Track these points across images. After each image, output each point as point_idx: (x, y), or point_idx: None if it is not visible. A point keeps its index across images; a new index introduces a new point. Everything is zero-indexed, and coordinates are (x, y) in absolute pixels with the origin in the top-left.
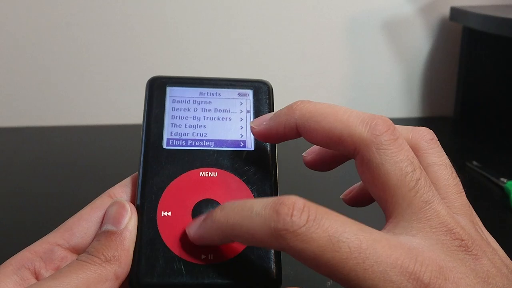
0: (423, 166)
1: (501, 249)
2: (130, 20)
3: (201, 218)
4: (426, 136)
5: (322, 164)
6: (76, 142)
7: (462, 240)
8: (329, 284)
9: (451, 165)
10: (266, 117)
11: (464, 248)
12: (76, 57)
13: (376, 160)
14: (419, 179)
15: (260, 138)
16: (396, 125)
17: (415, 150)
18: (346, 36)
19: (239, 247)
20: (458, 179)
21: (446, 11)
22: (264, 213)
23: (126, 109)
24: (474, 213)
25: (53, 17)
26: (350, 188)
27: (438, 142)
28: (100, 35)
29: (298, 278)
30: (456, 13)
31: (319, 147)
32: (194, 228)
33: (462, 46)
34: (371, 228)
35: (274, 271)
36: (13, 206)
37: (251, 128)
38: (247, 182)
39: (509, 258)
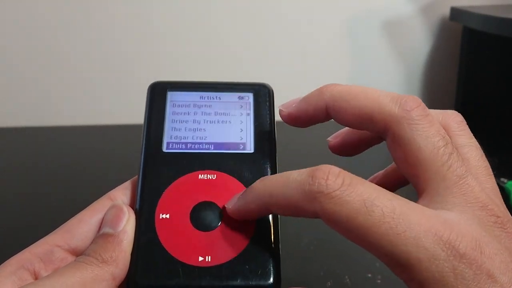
0: (454, 146)
1: None
2: (130, 20)
3: (239, 193)
4: (456, 118)
5: (347, 148)
6: (76, 142)
7: (498, 217)
8: (329, 284)
9: (481, 148)
10: (295, 100)
11: (500, 225)
12: (76, 58)
13: (408, 135)
14: (451, 153)
15: (289, 120)
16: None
17: (446, 131)
18: (346, 36)
19: (237, 248)
20: (487, 162)
21: (446, 11)
22: (300, 178)
23: (126, 109)
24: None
25: (53, 18)
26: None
27: (467, 126)
28: (100, 36)
29: (298, 279)
30: (456, 13)
31: (344, 130)
32: (233, 201)
33: (462, 46)
34: (405, 199)
35: (273, 272)
36: (12, 206)
37: (280, 111)
38: (246, 184)
39: None
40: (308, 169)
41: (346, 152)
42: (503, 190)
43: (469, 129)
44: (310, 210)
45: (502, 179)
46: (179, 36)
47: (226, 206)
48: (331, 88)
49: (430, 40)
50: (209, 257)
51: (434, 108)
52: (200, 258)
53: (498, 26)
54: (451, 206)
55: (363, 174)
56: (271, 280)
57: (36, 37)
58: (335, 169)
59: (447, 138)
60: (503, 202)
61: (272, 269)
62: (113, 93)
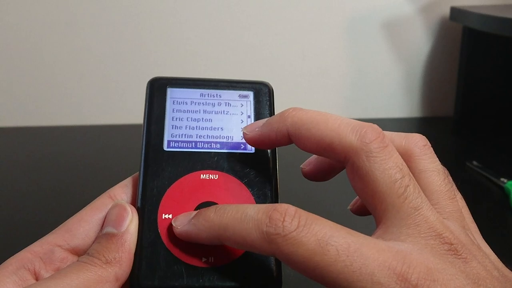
0: (415, 172)
1: (494, 254)
2: (130, 20)
3: (190, 214)
4: (419, 143)
5: (319, 174)
6: (76, 142)
7: (451, 244)
8: None
9: (444, 171)
10: (258, 124)
11: (453, 252)
12: (76, 57)
13: (366, 168)
14: (407, 185)
15: (252, 144)
16: (389, 132)
17: (408, 156)
18: (346, 36)
19: (240, 250)
20: (450, 185)
21: (446, 11)
22: (257, 217)
23: (126, 109)
24: (469, 218)
25: (53, 17)
26: (356, 199)
27: (431, 148)
28: (100, 35)
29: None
30: (456, 13)
31: (316, 157)
32: (181, 222)
33: (462, 46)
34: (360, 233)
35: (275, 274)
36: (13, 206)
37: (243, 134)
38: (248, 184)
39: (501, 263)
40: (265, 207)
41: (319, 178)
42: (502, 190)
43: (433, 153)
44: (267, 250)
45: (502, 179)
46: (179, 36)
47: (173, 223)
48: (293, 114)
49: (430, 40)
50: (212, 258)
51: (434, 108)
52: (203, 259)
53: (498, 26)
54: (404, 237)
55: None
56: (273, 281)
57: (36, 37)
58: (291, 210)
59: (404, 170)
60: (463, 226)
61: (274, 270)
62: (113, 93)
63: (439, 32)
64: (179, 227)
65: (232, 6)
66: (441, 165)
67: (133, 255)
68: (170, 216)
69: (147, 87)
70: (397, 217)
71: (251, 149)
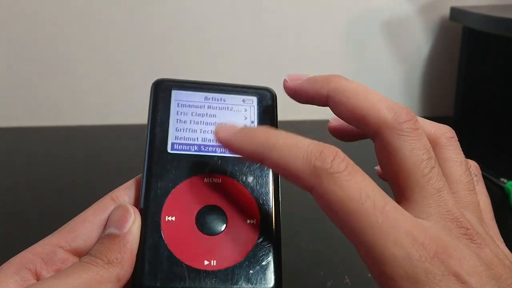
0: (440, 160)
1: (508, 250)
2: (132, 20)
3: (235, 126)
4: (447, 134)
5: (345, 133)
6: (76, 142)
7: (467, 229)
8: (329, 284)
9: (467, 164)
10: (302, 76)
11: (468, 236)
12: (76, 57)
13: (395, 144)
14: (433, 167)
15: (289, 93)
16: (421, 118)
17: (435, 144)
18: (346, 36)
19: (242, 253)
20: (470, 177)
21: (446, 11)
22: (308, 149)
23: (127, 109)
24: (490, 214)
25: (53, 17)
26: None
27: (458, 142)
28: (101, 35)
29: (298, 279)
30: (456, 13)
31: None
32: (226, 132)
33: (462, 46)
34: (394, 201)
35: (275, 277)
36: (13, 206)
37: (284, 81)
38: (251, 189)
39: None
40: (317, 142)
41: (341, 136)
42: (502, 190)
43: (459, 145)
44: (308, 182)
45: (502, 179)
46: (180, 38)
47: (216, 131)
48: (337, 80)
49: (430, 40)
50: (214, 261)
51: (434, 108)
52: (206, 262)
53: (498, 26)
54: (426, 215)
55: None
56: (273, 284)
57: (36, 37)
58: (341, 153)
59: (431, 153)
60: (480, 217)
61: (274, 273)
62: (113, 93)
63: (439, 32)
64: (222, 134)
65: (232, 8)
66: (464, 158)
67: (135, 256)
68: (173, 218)
69: (151, 88)
70: (420, 195)
71: None
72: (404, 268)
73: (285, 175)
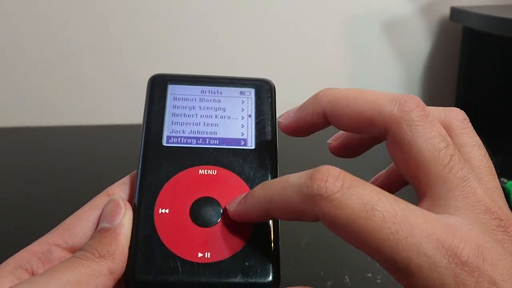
0: (456, 146)
1: None
2: (130, 20)
3: (241, 195)
4: (459, 116)
5: (348, 150)
6: (76, 142)
7: (501, 220)
8: (330, 284)
9: (484, 146)
10: (292, 110)
11: (503, 228)
12: (76, 57)
13: (408, 137)
14: (453, 155)
15: (288, 132)
16: (427, 106)
17: (448, 129)
18: (346, 36)
19: (237, 245)
20: (490, 161)
21: (446, 11)
22: (299, 181)
23: (126, 109)
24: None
25: (53, 17)
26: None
27: (470, 123)
28: (100, 35)
29: (298, 279)
30: (456, 13)
31: (344, 132)
32: (234, 204)
33: (462, 46)
34: (406, 201)
35: (273, 270)
36: (12, 206)
37: (279, 123)
38: (247, 180)
39: None
40: (307, 171)
41: (347, 154)
42: (503, 190)
43: (472, 128)
44: (310, 213)
45: (502, 179)
46: (179, 37)
47: (227, 207)
48: (327, 93)
49: (430, 40)
50: (209, 253)
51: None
52: (200, 254)
53: (498, 26)
54: (453, 209)
55: (366, 174)
56: (271, 277)
57: (36, 37)
58: (334, 171)
59: (448, 139)
60: (506, 203)
61: (271, 267)
62: (113, 93)
63: (439, 32)
64: (231, 209)
65: (232, 6)
66: (480, 141)
67: (127, 248)
68: (167, 211)
69: (148, 83)
70: (444, 188)
71: (251, 145)
72: (432, 278)
73: (293, 218)
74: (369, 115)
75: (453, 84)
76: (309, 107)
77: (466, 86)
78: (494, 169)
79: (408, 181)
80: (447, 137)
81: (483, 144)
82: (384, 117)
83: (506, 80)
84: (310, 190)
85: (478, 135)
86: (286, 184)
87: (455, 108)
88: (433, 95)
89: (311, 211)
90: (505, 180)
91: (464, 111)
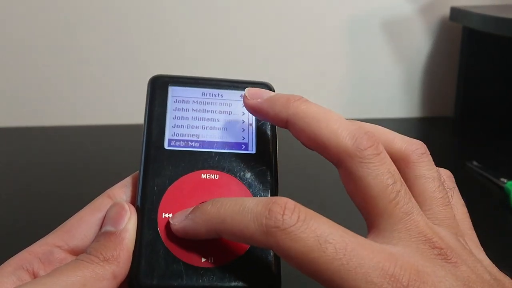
0: (411, 177)
1: (488, 259)
2: (130, 20)
3: (187, 210)
4: (418, 150)
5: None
6: (76, 142)
7: (441, 249)
8: None
9: (440, 178)
10: (262, 95)
11: (443, 256)
12: (76, 57)
13: (359, 173)
14: (399, 191)
15: (249, 110)
16: (394, 133)
17: (406, 161)
18: (346, 36)
19: (240, 250)
20: (445, 192)
21: (446, 11)
22: (256, 210)
23: (126, 109)
24: (468, 224)
25: (53, 17)
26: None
27: (430, 156)
28: (100, 35)
29: (298, 279)
30: (456, 13)
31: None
32: (179, 218)
33: (462, 46)
34: (355, 233)
35: (274, 274)
36: (12, 206)
37: (244, 96)
38: (248, 185)
39: (496, 268)
40: (264, 200)
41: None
42: (502, 190)
43: (431, 161)
44: (265, 243)
45: (502, 179)
46: (179, 37)
47: (170, 222)
48: (297, 104)
49: (430, 40)
50: (212, 258)
51: (434, 108)
52: (203, 259)
53: (498, 26)
54: (396, 241)
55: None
56: (273, 281)
57: (36, 37)
58: (290, 204)
59: (396, 176)
60: (458, 231)
61: (273, 270)
62: (113, 93)
63: (439, 32)
64: (176, 224)
65: (231, 7)
66: (437, 173)
67: (131, 253)
68: (170, 215)
69: (148, 85)
70: (389, 221)
71: (252, 149)
72: None
73: (243, 242)
74: (326, 141)
75: (453, 84)
76: (276, 107)
77: (466, 86)
78: (447, 199)
79: (358, 210)
80: (396, 173)
81: (481, 146)
82: (339, 149)
83: (506, 80)
84: (267, 222)
85: (478, 135)
86: (242, 210)
87: (418, 141)
88: (433, 95)
89: (265, 240)
90: (505, 180)
91: (464, 111)
